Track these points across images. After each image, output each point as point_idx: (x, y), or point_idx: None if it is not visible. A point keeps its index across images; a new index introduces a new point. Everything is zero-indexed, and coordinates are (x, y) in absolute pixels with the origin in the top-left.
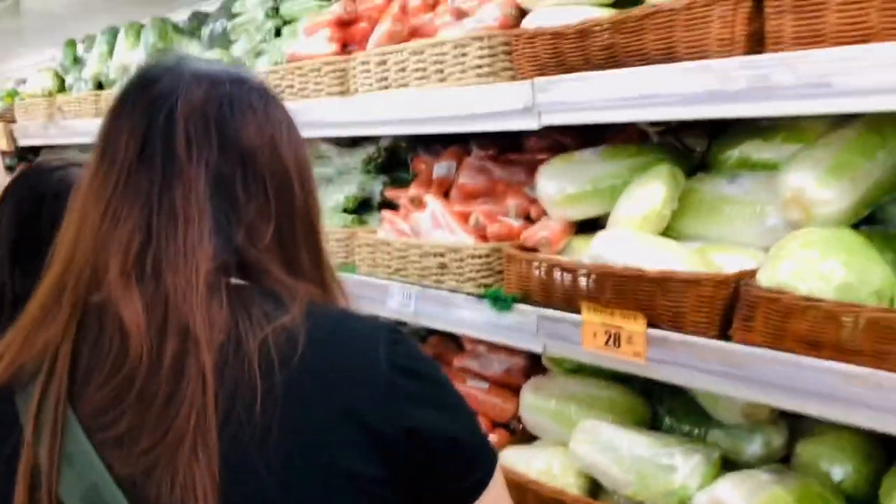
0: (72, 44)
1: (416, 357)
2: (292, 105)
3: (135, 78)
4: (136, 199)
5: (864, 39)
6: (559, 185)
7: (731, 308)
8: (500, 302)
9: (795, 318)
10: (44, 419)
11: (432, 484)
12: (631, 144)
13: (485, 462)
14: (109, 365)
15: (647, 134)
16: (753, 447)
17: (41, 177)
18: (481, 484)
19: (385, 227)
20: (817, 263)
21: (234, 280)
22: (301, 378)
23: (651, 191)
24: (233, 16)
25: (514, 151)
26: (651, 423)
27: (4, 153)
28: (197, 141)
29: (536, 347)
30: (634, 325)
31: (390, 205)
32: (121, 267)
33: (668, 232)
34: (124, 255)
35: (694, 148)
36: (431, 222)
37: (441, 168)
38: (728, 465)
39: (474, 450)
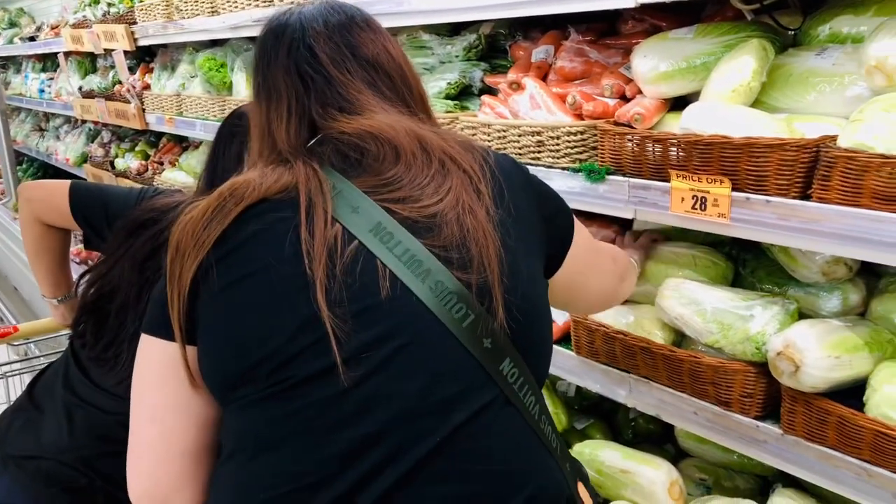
0: None
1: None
2: None
3: (267, 32)
4: (319, 99)
5: None
6: (653, 62)
7: (813, 171)
8: (594, 174)
9: (871, 174)
10: (319, 184)
11: (553, 221)
12: (725, 23)
13: (568, 210)
14: (385, 163)
15: (743, 14)
16: (832, 303)
17: None
18: (573, 222)
19: (484, 110)
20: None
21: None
22: (498, 166)
23: (740, 64)
24: None
25: (611, 36)
26: (734, 284)
27: (126, 53)
28: (339, 60)
29: (628, 214)
30: (720, 189)
31: (490, 91)
32: (348, 117)
33: (758, 104)
34: (342, 113)
35: (788, 26)
36: (530, 103)
37: (539, 52)
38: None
39: (561, 202)
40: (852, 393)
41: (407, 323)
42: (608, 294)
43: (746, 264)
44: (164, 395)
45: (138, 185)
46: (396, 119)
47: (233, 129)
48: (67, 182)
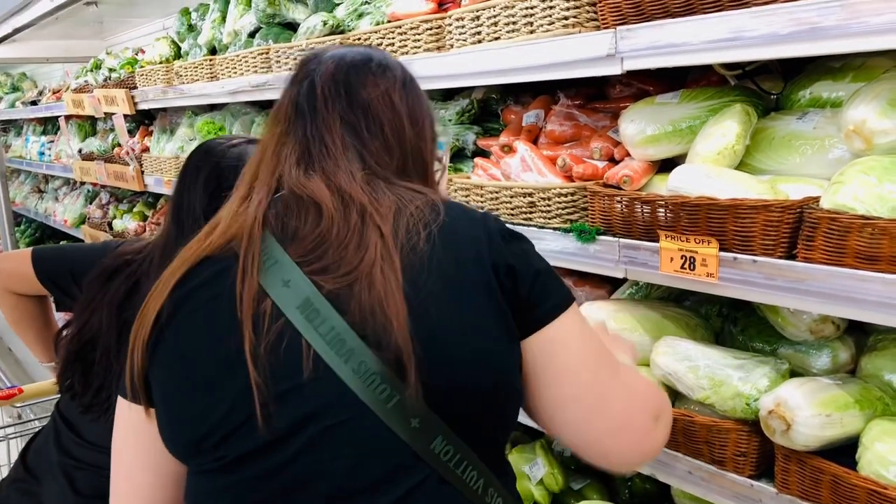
0: (186, 12)
1: (511, 229)
2: None
3: (298, 64)
4: (296, 137)
5: None
6: (640, 126)
7: (797, 232)
8: (585, 234)
9: (853, 235)
10: (252, 254)
11: (526, 299)
12: (709, 88)
13: (560, 293)
14: (309, 225)
15: (726, 79)
16: (821, 361)
17: (224, 153)
18: (558, 307)
19: (478, 172)
20: (875, 187)
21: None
22: (445, 230)
23: (724, 128)
24: None
25: (599, 100)
26: (725, 342)
27: (126, 117)
28: (330, 98)
29: (618, 274)
30: (708, 249)
31: (482, 153)
32: (297, 172)
33: (742, 166)
34: (297, 166)
35: (770, 91)
36: (521, 166)
37: (530, 116)
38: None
39: (552, 281)
40: (845, 451)
41: (331, 404)
42: (631, 432)
43: (737, 322)
44: (134, 453)
45: (102, 241)
46: (344, 174)
47: (198, 164)
48: (29, 249)
